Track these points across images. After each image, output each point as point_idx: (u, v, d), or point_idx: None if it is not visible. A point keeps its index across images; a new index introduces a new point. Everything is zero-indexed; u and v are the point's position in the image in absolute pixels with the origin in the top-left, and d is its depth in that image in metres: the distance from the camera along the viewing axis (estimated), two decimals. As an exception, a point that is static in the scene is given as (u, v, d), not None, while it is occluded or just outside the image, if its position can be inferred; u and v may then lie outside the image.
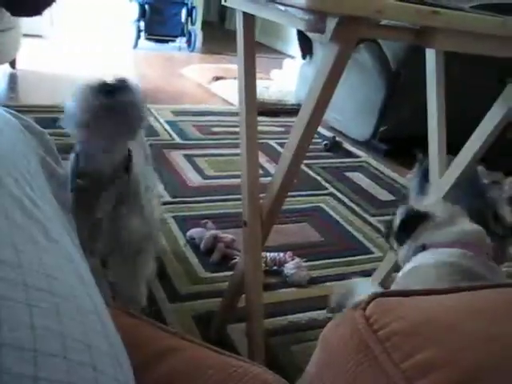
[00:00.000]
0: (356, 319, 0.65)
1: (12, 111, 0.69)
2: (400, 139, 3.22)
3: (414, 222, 1.34)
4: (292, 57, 5.64)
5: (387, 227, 1.48)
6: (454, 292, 0.71)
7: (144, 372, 0.59)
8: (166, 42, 5.97)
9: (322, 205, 2.52)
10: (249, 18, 1.25)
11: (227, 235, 2.02)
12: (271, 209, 1.23)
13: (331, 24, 0.94)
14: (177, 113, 3.64)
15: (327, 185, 2.78)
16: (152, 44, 5.89)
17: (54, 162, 0.72)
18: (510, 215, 1.80)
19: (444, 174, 1.50)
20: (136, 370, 0.53)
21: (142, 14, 5.65)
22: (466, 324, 0.61)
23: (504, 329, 0.60)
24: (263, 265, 1.89)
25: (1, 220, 0.47)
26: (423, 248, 1.31)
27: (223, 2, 1.28)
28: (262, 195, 1.30)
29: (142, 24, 5.69)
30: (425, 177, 1.70)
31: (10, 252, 0.44)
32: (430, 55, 1.51)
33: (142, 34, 5.76)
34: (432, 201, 1.44)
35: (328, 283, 1.92)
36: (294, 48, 5.31)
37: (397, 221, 1.38)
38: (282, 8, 1.03)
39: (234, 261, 1.88)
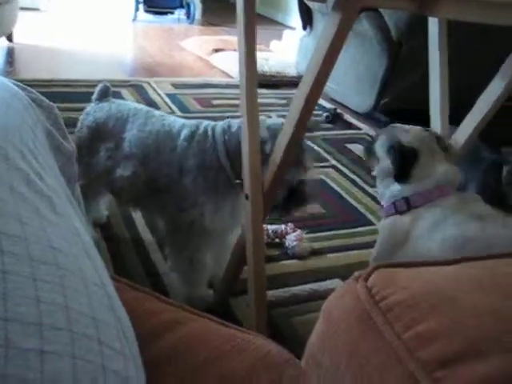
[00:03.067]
0: (358, 290, 0.65)
1: (20, 84, 0.68)
2: (402, 111, 3.20)
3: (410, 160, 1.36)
4: (292, 28, 5.57)
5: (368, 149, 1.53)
6: (457, 263, 0.71)
7: (148, 345, 0.59)
8: (165, 14, 5.90)
9: (323, 177, 2.51)
10: (249, -12, 1.23)
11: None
12: (273, 181, 1.23)
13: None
14: (176, 85, 3.61)
15: (328, 157, 2.77)
16: (151, 16, 5.83)
17: (62, 137, 0.72)
18: None
19: (446, 146, 1.49)
20: (140, 343, 0.53)
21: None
22: (467, 295, 0.61)
23: (508, 302, 0.60)
24: (265, 237, 1.89)
25: (6, 193, 0.47)
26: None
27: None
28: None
29: (140, -4, 5.63)
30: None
31: (15, 225, 0.44)
32: (433, 24, 1.49)
33: (141, 7, 5.69)
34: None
35: (329, 255, 1.93)
36: (295, 19, 5.25)
37: (384, 152, 1.41)
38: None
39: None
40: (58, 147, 0.70)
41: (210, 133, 1.44)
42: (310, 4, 3.58)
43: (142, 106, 1.63)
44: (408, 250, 1.31)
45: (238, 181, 1.39)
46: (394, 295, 0.63)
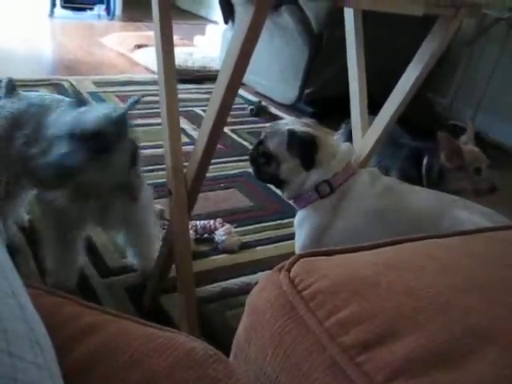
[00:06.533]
0: (281, 281, 0.66)
1: None
2: (325, 101, 3.25)
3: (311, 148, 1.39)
4: (215, 22, 5.55)
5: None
6: (375, 248, 0.72)
7: (68, 351, 0.58)
8: (84, 9, 5.74)
9: (249, 170, 2.51)
10: (163, -18, 1.21)
11: (155, 206, 1.99)
12: (196, 176, 1.22)
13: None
14: (98, 84, 3.52)
15: (255, 150, 2.78)
16: (69, 12, 5.65)
17: None
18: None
19: (366, 134, 1.52)
20: (59, 351, 0.51)
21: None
22: (386, 278, 0.63)
23: (422, 281, 0.62)
24: (194, 233, 1.88)
25: None
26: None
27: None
28: (187, 163, 1.28)
29: (56, -9, 5.45)
30: (350, 137, 1.73)
31: None
32: (349, 15, 1.51)
33: (58, 2, 5.51)
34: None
35: (259, 247, 1.93)
36: (217, 13, 5.23)
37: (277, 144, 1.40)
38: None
39: (164, 231, 1.86)
40: None
41: None
42: (230, -3, 3.58)
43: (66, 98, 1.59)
44: (335, 231, 1.35)
45: None
46: (317, 283, 0.63)
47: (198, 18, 6.47)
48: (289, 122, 1.47)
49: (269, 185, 2.31)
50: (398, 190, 1.38)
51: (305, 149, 1.37)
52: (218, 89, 1.07)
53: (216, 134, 1.14)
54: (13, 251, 1.58)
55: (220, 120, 1.10)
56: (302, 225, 1.44)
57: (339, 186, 1.37)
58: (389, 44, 3.17)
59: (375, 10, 1.02)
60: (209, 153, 1.17)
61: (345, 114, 1.93)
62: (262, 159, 1.44)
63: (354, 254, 0.70)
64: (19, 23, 5.02)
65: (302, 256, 0.69)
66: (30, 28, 4.98)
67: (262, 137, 1.47)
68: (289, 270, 0.66)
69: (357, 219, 1.34)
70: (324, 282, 0.64)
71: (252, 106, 3.32)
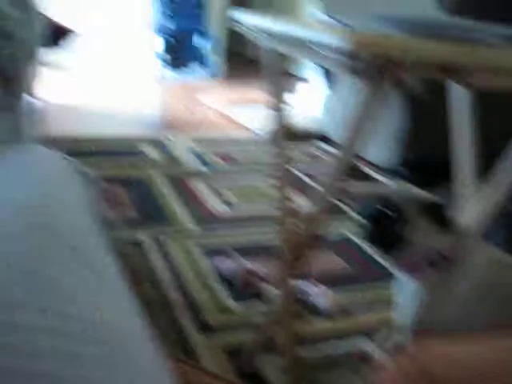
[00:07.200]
0: (405, 365, 0.65)
1: (68, 157, 0.70)
2: (425, 165, 3.18)
3: None
4: (303, 79, 5.44)
5: None
6: (502, 334, 0.71)
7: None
8: (188, 71, 6.03)
9: (348, 234, 2.47)
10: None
11: (260, 267, 1.99)
12: (306, 240, 1.22)
13: (366, 65, 0.94)
14: (198, 141, 3.64)
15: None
16: (174, 73, 5.93)
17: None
18: None
19: (473, 205, 1.48)
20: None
21: (166, 46, 5.74)
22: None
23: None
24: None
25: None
26: None
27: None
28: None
29: (165, 55, 5.77)
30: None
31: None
32: (457, 93, 1.48)
33: (166, 65, 5.82)
34: None
35: (355, 312, 1.88)
36: (306, 71, 5.21)
37: None
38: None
39: (263, 290, 1.86)
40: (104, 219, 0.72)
41: None
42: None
43: None
44: (443, 307, 1.31)
45: None
46: (444, 370, 0.62)
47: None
48: None
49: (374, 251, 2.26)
50: (505, 263, 1.32)
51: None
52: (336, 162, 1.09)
53: (327, 205, 1.15)
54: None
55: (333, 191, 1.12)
56: (406, 295, 1.39)
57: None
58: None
59: (495, 88, 1.01)
60: (319, 222, 1.19)
61: (445, 180, 1.89)
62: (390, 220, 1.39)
63: (480, 344, 0.69)
64: (128, 85, 5.27)
65: (429, 342, 0.68)
66: (138, 89, 5.24)
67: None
68: (415, 356, 0.65)
69: (465, 294, 1.29)
70: (451, 369, 0.63)
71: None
